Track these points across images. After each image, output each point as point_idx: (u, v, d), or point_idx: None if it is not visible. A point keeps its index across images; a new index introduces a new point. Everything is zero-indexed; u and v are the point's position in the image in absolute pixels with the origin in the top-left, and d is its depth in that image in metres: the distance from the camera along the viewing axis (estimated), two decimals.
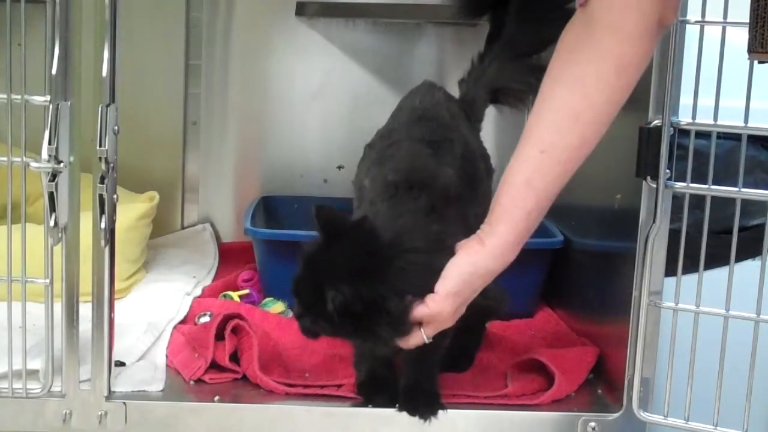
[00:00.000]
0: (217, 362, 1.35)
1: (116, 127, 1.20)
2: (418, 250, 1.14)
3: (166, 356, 1.40)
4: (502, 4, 1.42)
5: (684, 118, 1.20)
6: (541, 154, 1.09)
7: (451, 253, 1.14)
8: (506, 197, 1.11)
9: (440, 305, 1.12)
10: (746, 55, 0.96)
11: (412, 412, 1.24)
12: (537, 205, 1.10)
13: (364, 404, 1.27)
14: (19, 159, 1.17)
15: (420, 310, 1.12)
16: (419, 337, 1.14)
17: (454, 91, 1.47)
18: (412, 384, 1.28)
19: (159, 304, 1.61)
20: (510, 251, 1.12)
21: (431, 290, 1.12)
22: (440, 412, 1.25)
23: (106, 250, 1.22)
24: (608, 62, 1.05)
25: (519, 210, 1.10)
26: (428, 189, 1.21)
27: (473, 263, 1.12)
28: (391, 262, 1.12)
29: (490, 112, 1.50)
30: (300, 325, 1.18)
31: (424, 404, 1.25)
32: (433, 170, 1.24)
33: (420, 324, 1.14)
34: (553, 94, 1.09)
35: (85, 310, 1.23)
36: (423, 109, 1.37)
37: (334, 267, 1.12)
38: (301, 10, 1.99)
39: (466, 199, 1.27)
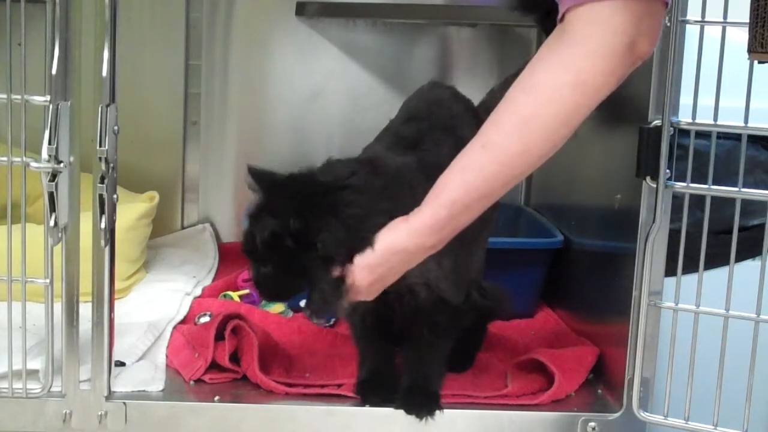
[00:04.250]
0: (217, 362, 1.35)
1: (116, 127, 1.20)
2: (355, 202, 1.15)
3: (166, 356, 1.40)
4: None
5: (684, 118, 1.20)
6: (482, 148, 1.08)
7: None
8: (440, 182, 1.11)
9: (354, 275, 1.14)
10: (746, 55, 0.96)
11: (409, 411, 1.24)
12: (463, 198, 1.09)
13: (362, 404, 1.27)
14: (19, 159, 1.17)
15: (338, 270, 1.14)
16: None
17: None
18: (412, 383, 1.28)
19: (159, 304, 1.61)
20: (428, 234, 1.11)
21: (360, 245, 1.14)
22: (438, 412, 1.25)
23: (106, 250, 1.22)
24: (565, 75, 1.04)
25: (445, 196, 1.10)
26: (384, 173, 1.20)
27: (391, 239, 1.13)
28: (326, 198, 1.15)
29: None
30: (253, 279, 1.21)
31: (421, 404, 1.25)
32: (393, 158, 1.25)
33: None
34: (509, 96, 1.08)
35: (85, 310, 1.23)
36: (416, 109, 1.37)
37: (270, 211, 1.17)
38: (301, 10, 1.99)
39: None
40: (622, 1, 1.01)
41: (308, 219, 1.13)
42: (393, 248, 1.13)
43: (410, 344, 1.30)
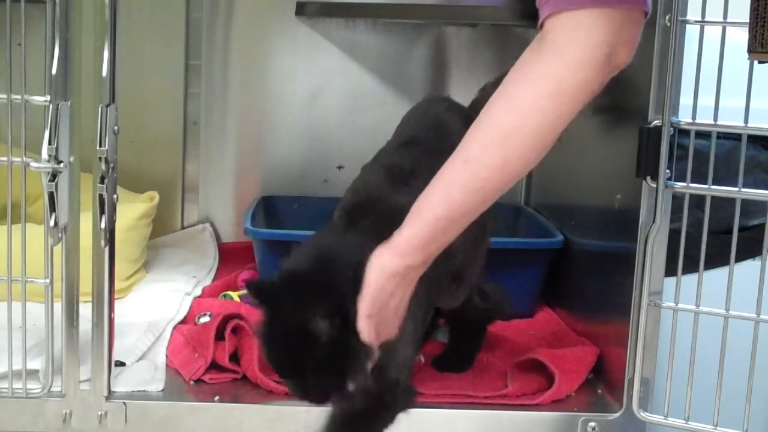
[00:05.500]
0: (217, 362, 1.35)
1: (116, 127, 1.20)
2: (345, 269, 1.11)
3: (166, 356, 1.40)
4: None
5: (684, 118, 1.20)
6: (463, 164, 1.06)
7: None
8: (422, 199, 1.09)
9: (360, 322, 1.10)
10: (746, 55, 0.96)
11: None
12: (448, 214, 1.07)
13: None
14: (19, 159, 1.17)
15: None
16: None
17: (456, 94, 1.46)
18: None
19: (159, 304, 1.61)
20: (413, 254, 1.08)
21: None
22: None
23: (106, 250, 1.22)
24: (546, 86, 1.02)
25: (428, 213, 1.07)
26: (374, 214, 1.18)
27: (380, 265, 1.09)
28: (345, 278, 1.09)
29: None
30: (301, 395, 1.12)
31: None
32: (385, 197, 1.21)
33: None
34: (489, 110, 1.06)
35: (85, 310, 1.23)
36: (415, 133, 1.34)
37: (298, 316, 1.08)
38: (301, 10, 1.99)
39: None
40: (602, 9, 1.00)
41: (343, 307, 1.08)
42: (384, 273, 1.09)
43: None
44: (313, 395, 1.12)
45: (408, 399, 1.20)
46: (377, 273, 1.09)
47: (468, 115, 1.36)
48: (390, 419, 1.17)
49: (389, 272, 1.09)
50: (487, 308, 1.41)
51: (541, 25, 1.04)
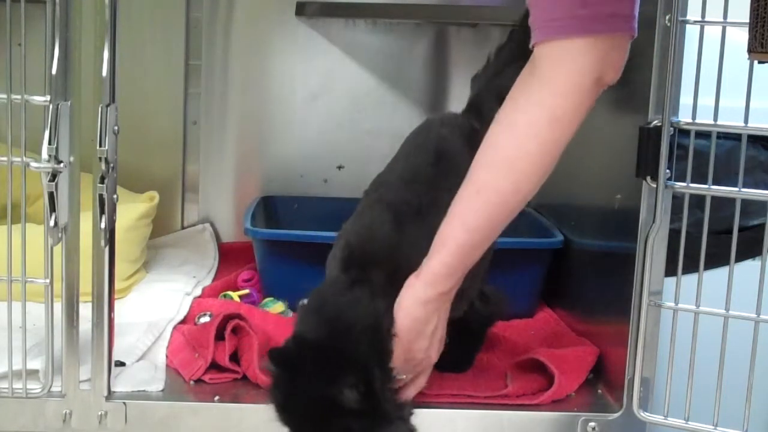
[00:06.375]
0: (217, 362, 1.35)
1: (116, 127, 1.20)
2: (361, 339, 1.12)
3: (166, 356, 1.40)
4: None
5: (684, 118, 1.20)
6: (476, 194, 1.11)
7: None
8: (442, 230, 1.14)
9: (397, 361, 1.15)
10: (746, 55, 0.96)
11: None
12: (468, 241, 1.12)
13: None
14: (19, 159, 1.17)
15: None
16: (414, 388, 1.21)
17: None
18: None
19: (159, 304, 1.60)
20: (442, 282, 1.14)
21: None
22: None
23: (106, 250, 1.22)
24: (540, 112, 1.06)
25: (451, 243, 1.13)
26: (384, 267, 1.18)
27: (411, 296, 1.15)
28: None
29: None
30: None
31: None
32: (392, 245, 1.21)
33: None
34: (493, 138, 1.11)
35: (85, 310, 1.23)
36: (416, 168, 1.32)
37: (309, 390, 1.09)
38: (301, 10, 1.99)
39: None
40: (586, 38, 1.03)
41: (368, 374, 1.10)
42: (418, 301, 1.15)
43: None
44: None
45: None
46: (411, 302, 1.15)
47: (469, 133, 1.35)
48: None
49: (423, 300, 1.14)
50: (489, 313, 1.41)
51: (532, 47, 1.05)
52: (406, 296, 1.15)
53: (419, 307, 1.15)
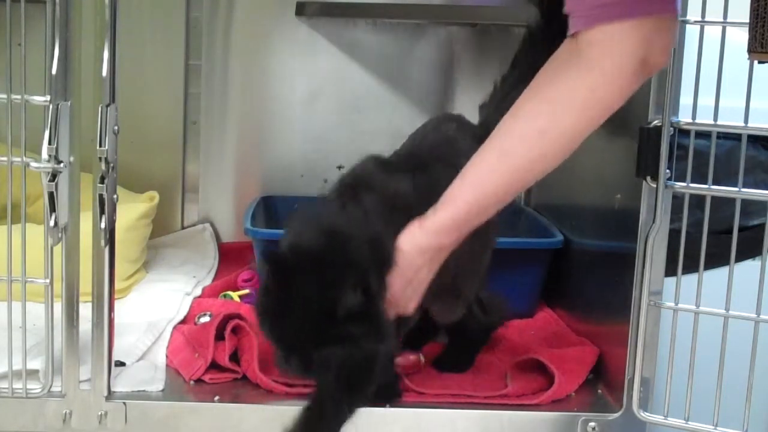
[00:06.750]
0: (217, 362, 1.35)
1: (116, 127, 1.20)
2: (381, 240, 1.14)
3: (166, 356, 1.40)
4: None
5: (684, 118, 1.20)
6: (498, 158, 1.12)
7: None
8: (456, 185, 1.14)
9: (390, 288, 1.15)
10: (746, 55, 0.96)
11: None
12: (480, 201, 1.14)
13: None
14: (19, 159, 1.17)
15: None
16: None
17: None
18: None
19: (159, 304, 1.61)
20: (446, 232, 1.15)
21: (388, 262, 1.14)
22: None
23: (106, 250, 1.22)
24: (582, 92, 1.07)
25: (462, 199, 1.14)
26: (376, 191, 1.20)
27: (412, 241, 1.15)
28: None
29: None
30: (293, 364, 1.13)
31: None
32: (384, 177, 1.23)
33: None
34: (524, 109, 1.11)
35: (85, 310, 1.23)
36: (414, 142, 1.35)
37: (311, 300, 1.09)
38: (301, 10, 1.99)
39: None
40: (632, 21, 1.03)
41: (366, 282, 1.10)
42: (416, 248, 1.15)
43: None
44: (319, 368, 1.11)
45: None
46: (410, 246, 1.15)
47: (473, 135, 1.35)
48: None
49: (421, 247, 1.15)
50: (489, 322, 1.41)
51: (574, 33, 1.05)
52: (404, 240, 1.15)
53: (416, 253, 1.15)
